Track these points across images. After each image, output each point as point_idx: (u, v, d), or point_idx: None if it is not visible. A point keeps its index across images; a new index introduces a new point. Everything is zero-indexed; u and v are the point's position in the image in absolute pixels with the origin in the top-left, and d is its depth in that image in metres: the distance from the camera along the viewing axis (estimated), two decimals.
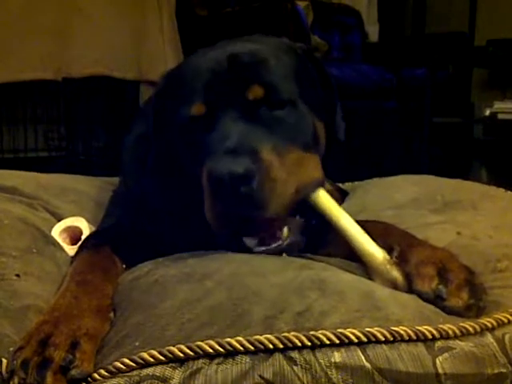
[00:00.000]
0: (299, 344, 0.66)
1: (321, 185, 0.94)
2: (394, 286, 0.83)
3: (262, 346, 0.66)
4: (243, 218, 0.85)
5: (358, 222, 0.94)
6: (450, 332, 0.71)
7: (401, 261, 0.84)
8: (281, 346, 0.66)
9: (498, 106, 3.68)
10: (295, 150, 0.90)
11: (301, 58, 1.02)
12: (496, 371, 0.70)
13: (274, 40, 1.03)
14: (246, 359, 0.66)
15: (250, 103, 0.90)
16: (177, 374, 0.65)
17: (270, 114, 0.91)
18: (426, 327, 0.70)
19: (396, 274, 0.83)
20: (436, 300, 0.77)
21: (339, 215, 0.92)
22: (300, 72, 0.99)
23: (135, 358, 0.66)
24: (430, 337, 0.69)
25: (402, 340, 0.69)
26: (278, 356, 0.66)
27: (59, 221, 1.18)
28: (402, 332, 0.69)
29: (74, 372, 0.64)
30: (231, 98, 0.90)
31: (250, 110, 0.90)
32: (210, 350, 0.66)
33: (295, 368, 0.66)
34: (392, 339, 0.68)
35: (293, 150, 0.90)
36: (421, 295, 0.78)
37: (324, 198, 0.92)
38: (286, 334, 0.67)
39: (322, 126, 1.00)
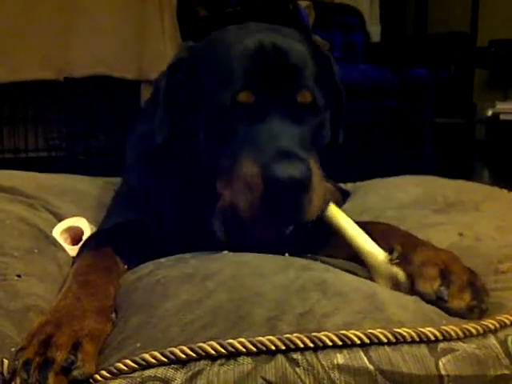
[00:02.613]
0: (301, 345, 0.66)
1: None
2: (395, 284, 0.83)
3: (264, 348, 0.66)
4: (277, 217, 0.85)
5: (359, 223, 0.94)
6: (453, 334, 0.70)
7: (403, 261, 0.84)
8: (283, 348, 0.66)
9: (500, 106, 3.67)
10: (316, 157, 0.93)
11: (324, 60, 1.03)
12: (499, 373, 0.70)
13: (304, 38, 1.00)
14: (248, 360, 0.66)
15: (297, 106, 0.91)
16: (179, 376, 0.65)
17: (309, 120, 0.92)
18: (428, 329, 0.70)
19: (398, 272, 0.83)
20: (438, 301, 0.77)
21: (339, 216, 0.92)
22: (327, 78, 1.00)
23: (137, 359, 0.66)
24: (432, 338, 0.69)
25: (405, 341, 0.69)
26: (281, 357, 0.66)
27: (60, 221, 1.18)
28: (404, 333, 0.69)
29: (75, 373, 0.64)
30: (280, 96, 0.89)
31: (296, 113, 0.90)
32: (212, 352, 0.65)
33: (298, 369, 0.65)
34: (394, 341, 0.68)
35: (315, 157, 0.92)
36: (423, 296, 0.78)
37: None
38: (288, 336, 0.67)
39: (330, 131, 1.02)
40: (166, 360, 0.65)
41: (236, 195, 0.86)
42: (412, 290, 0.81)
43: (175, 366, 0.65)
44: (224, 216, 0.90)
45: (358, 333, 0.68)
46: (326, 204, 0.92)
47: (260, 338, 0.66)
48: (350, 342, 0.67)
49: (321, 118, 0.95)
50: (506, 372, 0.71)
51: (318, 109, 0.93)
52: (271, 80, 0.89)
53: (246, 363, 0.65)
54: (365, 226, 0.93)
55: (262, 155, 0.84)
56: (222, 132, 0.90)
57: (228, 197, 0.88)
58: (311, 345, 0.66)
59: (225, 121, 0.90)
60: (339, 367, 0.66)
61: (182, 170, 1.01)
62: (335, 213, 0.93)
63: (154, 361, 0.65)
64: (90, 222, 1.17)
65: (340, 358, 0.66)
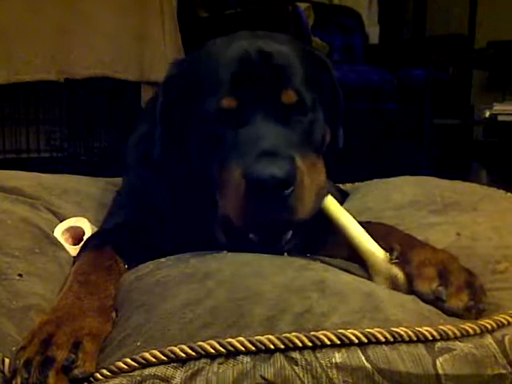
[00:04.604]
0: (300, 344, 0.67)
1: (327, 188, 0.96)
2: (393, 284, 0.84)
3: (263, 347, 0.66)
4: (266, 219, 0.85)
5: (359, 222, 0.94)
6: (450, 333, 0.71)
7: (402, 261, 0.85)
8: (282, 347, 0.66)
9: (498, 107, 3.67)
10: (312, 156, 0.93)
11: (318, 63, 1.04)
12: (496, 372, 0.71)
13: (294, 42, 1.02)
14: (247, 359, 0.66)
15: (282, 106, 0.91)
16: (178, 374, 0.65)
17: (296, 119, 0.93)
18: (426, 328, 0.70)
19: (396, 271, 0.84)
20: (436, 301, 0.77)
21: (340, 214, 0.93)
22: (318, 78, 1.01)
23: (137, 357, 0.66)
24: (430, 338, 0.70)
25: (403, 341, 0.69)
26: (279, 356, 0.66)
27: (61, 221, 1.18)
28: (402, 333, 0.69)
29: (76, 372, 0.64)
30: (264, 98, 0.90)
31: (281, 113, 0.91)
32: (212, 350, 0.66)
33: (296, 368, 0.66)
34: (392, 340, 0.69)
35: (311, 156, 0.93)
36: (421, 296, 0.79)
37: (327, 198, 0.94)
38: (286, 335, 0.67)
39: (329, 131, 1.03)
40: (165, 359, 0.66)
41: (226, 201, 0.88)
42: (410, 289, 0.81)
43: (175, 364, 0.66)
44: (224, 224, 0.91)
45: (356, 332, 0.68)
46: (321, 199, 0.92)
47: (259, 337, 0.67)
48: (348, 341, 0.67)
49: (310, 116, 0.95)
50: (503, 371, 0.71)
51: (305, 108, 0.93)
52: (255, 83, 0.90)
53: (245, 362, 0.66)
54: (364, 226, 0.93)
55: (244, 158, 0.85)
56: (210, 139, 0.92)
57: (222, 205, 0.90)
58: (310, 344, 0.67)
59: (212, 128, 0.91)
60: (337, 366, 0.66)
61: (180, 173, 1.02)
62: (335, 209, 0.93)
63: (153, 359, 0.66)
64: (91, 222, 1.18)
65: (338, 356, 0.67)
